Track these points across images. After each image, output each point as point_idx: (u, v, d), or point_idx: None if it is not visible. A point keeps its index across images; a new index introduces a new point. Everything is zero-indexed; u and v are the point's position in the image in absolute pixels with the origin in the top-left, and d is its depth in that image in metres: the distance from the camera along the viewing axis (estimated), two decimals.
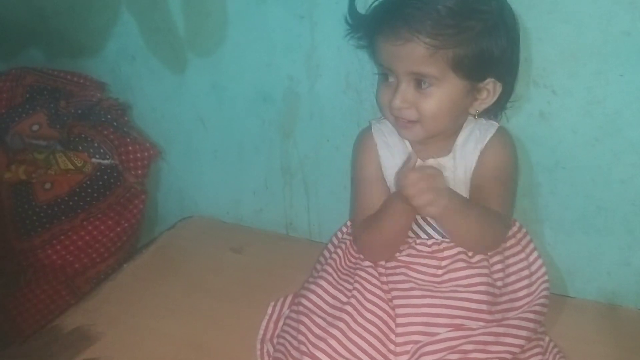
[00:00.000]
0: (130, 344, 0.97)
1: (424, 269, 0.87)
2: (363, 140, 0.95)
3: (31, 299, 1.17)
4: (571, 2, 0.89)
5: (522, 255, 0.92)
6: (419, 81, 0.82)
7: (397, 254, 0.90)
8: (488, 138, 0.88)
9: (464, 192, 0.88)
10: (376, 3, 0.87)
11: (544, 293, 0.90)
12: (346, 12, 0.89)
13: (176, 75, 1.23)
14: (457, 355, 0.80)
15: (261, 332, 0.97)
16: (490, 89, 0.85)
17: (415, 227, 0.90)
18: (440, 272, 0.87)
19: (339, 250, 0.98)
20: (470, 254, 0.88)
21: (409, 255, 0.89)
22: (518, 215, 1.03)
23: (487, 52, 0.81)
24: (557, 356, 0.89)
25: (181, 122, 1.29)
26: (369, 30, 0.86)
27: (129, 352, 0.95)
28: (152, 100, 1.29)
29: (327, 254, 1.00)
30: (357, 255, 0.94)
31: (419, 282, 0.87)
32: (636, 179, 0.96)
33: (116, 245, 1.25)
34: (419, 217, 0.90)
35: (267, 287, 1.06)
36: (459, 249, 0.88)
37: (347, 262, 0.96)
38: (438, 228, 0.89)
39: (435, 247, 0.89)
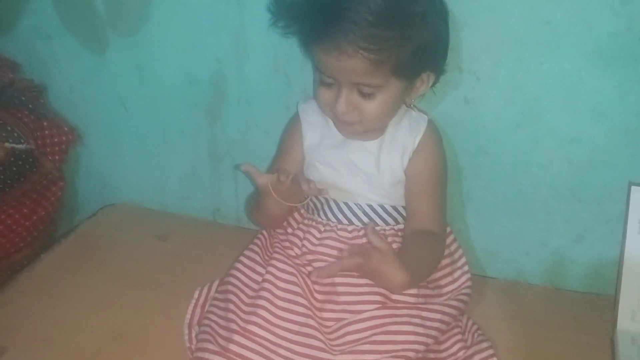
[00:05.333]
0: (50, 338, 0.92)
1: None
2: (290, 120, 0.99)
3: None
4: None
5: None
6: (361, 88, 0.82)
7: (319, 234, 0.91)
8: (420, 136, 0.91)
9: (387, 179, 0.91)
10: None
11: (468, 283, 0.94)
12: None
13: (96, 55, 1.17)
14: (382, 337, 0.81)
15: (188, 316, 0.96)
16: (425, 79, 0.87)
17: (336, 212, 0.92)
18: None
19: (264, 232, 0.99)
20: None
21: (330, 238, 0.90)
22: None
23: (426, 47, 0.81)
24: (476, 334, 0.92)
25: (101, 105, 1.23)
26: (302, 33, 0.84)
27: (49, 346, 0.91)
28: (70, 81, 1.23)
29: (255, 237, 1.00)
30: (279, 234, 0.96)
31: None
32: (554, 163, 1.00)
33: (32, 234, 1.18)
34: (339, 202, 0.92)
35: (194, 274, 1.04)
36: None
37: (272, 240, 0.96)
38: (359, 215, 0.92)
39: (355, 234, 0.90)
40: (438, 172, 0.93)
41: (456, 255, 0.96)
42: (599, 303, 1.02)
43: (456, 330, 0.90)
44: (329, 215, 0.92)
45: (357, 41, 0.76)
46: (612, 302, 0.97)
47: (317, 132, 0.94)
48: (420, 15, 0.79)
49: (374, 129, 0.90)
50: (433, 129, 0.93)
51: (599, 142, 0.97)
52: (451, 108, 1.00)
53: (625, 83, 0.92)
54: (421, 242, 0.89)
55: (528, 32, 0.92)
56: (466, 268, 0.95)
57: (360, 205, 0.91)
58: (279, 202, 0.86)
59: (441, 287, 0.92)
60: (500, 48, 0.94)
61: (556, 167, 1.00)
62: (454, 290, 0.93)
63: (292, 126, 0.97)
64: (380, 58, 0.77)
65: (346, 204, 0.92)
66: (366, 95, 0.83)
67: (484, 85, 0.97)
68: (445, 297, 0.91)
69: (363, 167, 0.91)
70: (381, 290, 0.85)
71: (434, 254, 0.91)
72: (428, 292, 0.89)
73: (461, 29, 0.93)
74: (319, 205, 0.94)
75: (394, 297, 0.85)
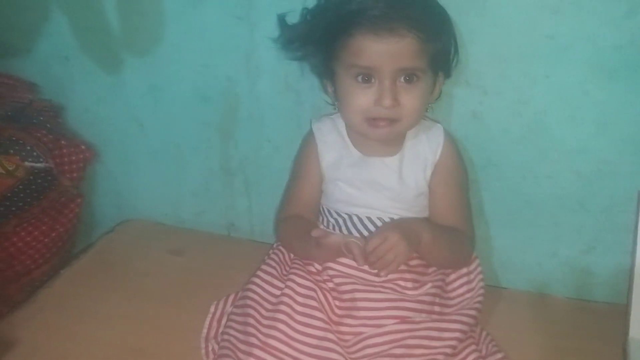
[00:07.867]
0: (69, 353, 0.94)
1: (366, 268, 0.88)
2: (305, 140, 0.99)
3: None
4: (500, 7, 0.93)
5: None
6: (405, 77, 0.83)
7: None
8: (440, 147, 0.93)
9: (411, 192, 0.92)
10: (317, 8, 0.88)
11: (481, 292, 0.94)
12: (281, 26, 0.92)
13: (111, 75, 1.20)
14: (401, 350, 0.83)
15: (205, 330, 0.97)
16: (437, 82, 0.90)
17: (359, 227, 0.92)
18: (381, 273, 0.88)
19: (281, 247, 0.99)
20: None
21: None
22: None
23: (449, 47, 0.86)
24: (490, 345, 0.93)
25: (117, 124, 1.26)
26: (341, 26, 0.83)
27: None
28: (87, 101, 1.26)
29: (270, 251, 1.02)
30: None
31: (361, 280, 0.88)
32: (561, 175, 1.01)
33: (51, 251, 1.21)
34: (362, 217, 0.92)
35: (209, 289, 1.06)
36: None
37: (290, 256, 0.97)
38: None
39: None
40: (461, 181, 0.95)
41: (472, 266, 0.97)
42: (611, 312, 1.03)
43: (470, 340, 0.90)
44: (352, 230, 0.93)
45: (409, 20, 0.79)
46: (624, 311, 0.98)
47: (334, 150, 0.95)
48: (446, 16, 0.87)
49: (407, 131, 0.91)
50: (450, 138, 0.95)
51: (605, 152, 0.98)
52: (460, 122, 1.02)
53: (629, 94, 0.93)
54: (448, 227, 0.93)
55: (533, 46, 0.94)
56: (481, 276, 0.96)
57: (382, 220, 0.91)
58: (333, 257, 0.87)
59: (461, 295, 0.93)
60: (505, 63, 0.96)
61: (564, 178, 1.02)
62: (471, 296, 0.93)
63: (308, 147, 0.98)
64: (428, 37, 0.81)
65: (369, 218, 0.92)
66: (409, 86, 0.83)
67: (490, 99, 0.99)
68: (463, 304, 0.92)
69: (386, 183, 0.91)
70: (401, 304, 0.86)
71: (458, 241, 0.92)
72: (444, 302, 0.90)
73: (468, 45, 0.95)
74: (340, 222, 0.94)
75: (414, 306, 0.86)
